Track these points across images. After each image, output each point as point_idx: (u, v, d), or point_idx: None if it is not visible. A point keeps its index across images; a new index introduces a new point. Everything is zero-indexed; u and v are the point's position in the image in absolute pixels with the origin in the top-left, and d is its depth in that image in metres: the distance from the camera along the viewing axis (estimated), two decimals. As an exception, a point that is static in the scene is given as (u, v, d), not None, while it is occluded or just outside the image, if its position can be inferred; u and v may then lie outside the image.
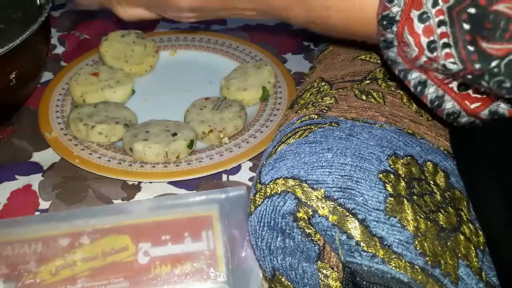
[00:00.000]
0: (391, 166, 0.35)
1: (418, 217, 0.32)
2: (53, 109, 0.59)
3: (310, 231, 0.33)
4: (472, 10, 0.27)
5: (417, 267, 0.31)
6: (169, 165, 0.52)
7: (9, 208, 0.50)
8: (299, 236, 0.34)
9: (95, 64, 0.66)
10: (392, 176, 0.34)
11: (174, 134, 0.53)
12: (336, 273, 0.34)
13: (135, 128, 0.55)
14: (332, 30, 0.35)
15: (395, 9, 0.29)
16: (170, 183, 0.52)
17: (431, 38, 0.29)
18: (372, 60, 0.46)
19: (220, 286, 0.42)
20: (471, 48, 0.27)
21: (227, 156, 0.53)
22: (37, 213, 0.49)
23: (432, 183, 0.36)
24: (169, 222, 0.46)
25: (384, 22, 0.30)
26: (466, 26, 0.27)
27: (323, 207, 0.32)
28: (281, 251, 0.35)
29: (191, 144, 0.53)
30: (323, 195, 0.32)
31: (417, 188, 0.34)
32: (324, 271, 0.34)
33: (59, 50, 0.72)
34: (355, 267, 0.31)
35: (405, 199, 0.33)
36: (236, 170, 0.54)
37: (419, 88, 0.32)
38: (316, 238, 0.34)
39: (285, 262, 0.35)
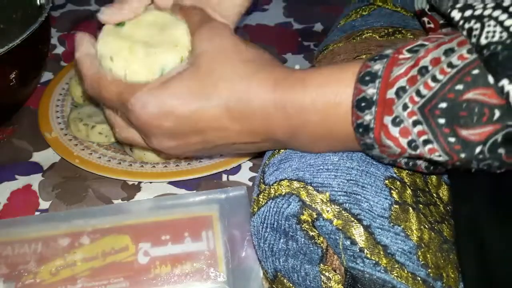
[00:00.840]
0: (397, 174, 0.34)
1: (422, 227, 0.32)
2: (53, 109, 0.59)
3: (313, 233, 0.33)
4: (443, 105, 0.27)
5: (419, 278, 0.31)
6: (169, 165, 0.52)
7: (9, 208, 0.50)
8: (302, 239, 0.33)
9: (95, 64, 0.66)
10: (398, 183, 0.34)
11: None
12: (339, 276, 0.34)
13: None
14: (315, 137, 0.34)
15: (368, 118, 0.30)
16: (170, 183, 0.52)
17: (410, 138, 0.29)
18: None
19: (220, 286, 0.42)
20: (452, 140, 0.28)
21: (227, 156, 0.53)
22: (37, 213, 0.49)
23: (436, 195, 0.36)
24: (169, 222, 0.46)
25: (360, 130, 0.30)
26: (441, 121, 0.28)
27: (327, 211, 0.32)
28: (283, 252, 0.35)
29: None
30: (328, 199, 0.32)
31: (423, 197, 0.34)
32: (327, 274, 0.34)
33: (59, 50, 0.72)
34: (357, 273, 0.31)
35: (410, 208, 0.33)
36: (236, 170, 0.54)
37: (411, 163, 0.32)
38: (319, 240, 0.33)
39: (287, 264, 0.35)
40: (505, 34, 0.25)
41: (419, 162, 0.32)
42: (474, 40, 0.26)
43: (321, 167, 0.34)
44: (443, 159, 0.29)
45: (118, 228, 0.45)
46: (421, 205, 0.33)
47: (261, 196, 0.35)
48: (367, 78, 0.30)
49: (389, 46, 0.31)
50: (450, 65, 0.27)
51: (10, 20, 0.62)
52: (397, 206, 0.32)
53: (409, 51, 0.29)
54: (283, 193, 0.33)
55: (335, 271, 0.34)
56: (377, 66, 0.30)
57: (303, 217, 0.33)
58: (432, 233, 0.33)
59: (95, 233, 0.45)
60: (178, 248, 0.44)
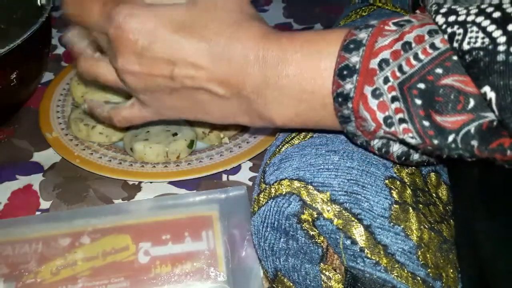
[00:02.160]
0: (397, 174, 0.35)
1: (422, 226, 0.32)
2: (54, 109, 0.59)
3: (313, 233, 0.33)
4: (421, 86, 0.27)
5: (419, 278, 0.31)
6: (170, 165, 0.52)
7: (10, 208, 0.50)
8: (303, 238, 0.33)
9: (95, 64, 0.66)
10: (398, 182, 0.34)
11: (175, 134, 0.53)
12: (339, 275, 0.34)
13: (136, 128, 0.55)
14: (284, 95, 0.33)
15: (348, 86, 0.30)
16: (170, 183, 0.52)
17: (387, 114, 0.29)
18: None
19: (220, 286, 0.42)
20: (426, 123, 0.28)
21: (227, 156, 0.53)
22: (37, 213, 0.49)
23: (435, 195, 0.36)
24: (169, 222, 0.46)
25: (340, 99, 0.30)
26: (418, 101, 0.27)
27: (328, 210, 0.32)
28: (284, 252, 0.35)
29: (191, 144, 0.53)
30: (328, 198, 0.32)
31: (422, 197, 0.34)
32: (327, 273, 0.34)
33: (60, 50, 0.72)
34: (357, 272, 0.31)
35: (410, 207, 0.33)
36: (236, 170, 0.54)
37: (383, 150, 0.32)
38: (319, 240, 0.33)
39: (287, 263, 0.35)
40: (487, 40, 0.25)
41: (392, 148, 0.32)
42: (456, 44, 0.26)
43: (322, 166, 0.34)
44: (416, 142, 0.28)
45: (118, 228, 0.45)
46: (421, 205, 0.34)
47: (262, 196, 0.35)
48: (351, 46, 0.29)
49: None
50: (433, 46, 0.27)
51: (10, 20, 0.62)
52: (397, 206, 0.32)
53: (395, 24, 0.29)
54: (283, 193, 0.34)
55: (335, 270, 0.34)
56: (362, 35, 0.30)
57: (304, 217, 0.33)
58: (432, 233, 0.33)
59: (96, 232, 0.45)
60: (178, 247, 0.44)
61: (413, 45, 0.28)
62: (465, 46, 0.26)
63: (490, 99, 0.25)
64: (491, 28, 0.25)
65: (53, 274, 0.42)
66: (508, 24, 0.25)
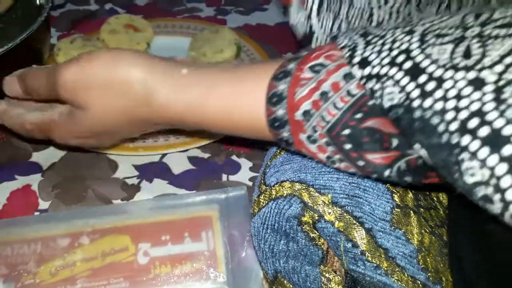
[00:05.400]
0: None
1: (423, 230, 0.32)
2: (53, 109, 0.59)
3: (314, 235, 0.33)
4: (346, 131, 0.28)
5: (419, 282, 0.31)
6: (159, 140, 0.54)
7: (9, 208, 0.50)
8: (303, 240, 0.33)
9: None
10: (399, 186, 0.34)
11: None
12: (339, 277, 0.34)
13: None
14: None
15: (285, 134, 0.31)
16: (170, 183, 0.52)
17: (327, 154, 0.30)
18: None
19: (220, 287, 0.42)
20: (361, 163, 0.28)
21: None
22: (36, 213, 0.49)
23: (436, 199, 0.36)
24: (169, 222, 0.46)
25: (283, 144, 0.32)
26: (348, 146, 0.28)
27: (329, 213, 0.32)
28: (284, 254, 0.35)
29: None
30: (330, 201, 0.32)
31: (423, 201, 0.34)
32: (327, 275, 0.34)
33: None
34: (358, 275, 0.31)
35: (411, 211, 0.33)
36: (236, 170, 0.54)
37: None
38: (320, 242, 0.33)
39: (287, 265, 0.35)
40: (403, 96, 0.25)
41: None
42: (378, 102, 0.26)
43: (323, 169, 0.34)
44: (360, 174, 0.30)
45: (117, 228, 0.45)
46: (422, 209, 0.33)
47: (262, 197, 0.35)
48: (274, 99, 0.31)
49: (293, 59, 0.31)
50: (349, 93, 0.28)
51: (9, 20, 0.62)
52: (398, 210, 0.32)
53: (311, 69, 0.30)
54: (284, 195, 0.33)
55: (335, 272, 0.34)
56: (282, 86, 0.30)
57: (304, 219, 0.33)
58: (433, 237, 0.33)
59: (95, 233, 0.45)
60: (178, 248, 0.44)
61: (331, 94, 0.28)
62: (386, 104, 0.26)
63: (421, 156, 0.25)
64: (405, 81, 0.25)
65: (52, 275, 0.42)
66: (419, 75, 0.25)
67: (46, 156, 0.55)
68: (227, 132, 0.36)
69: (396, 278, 0.31)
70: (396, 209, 0.32)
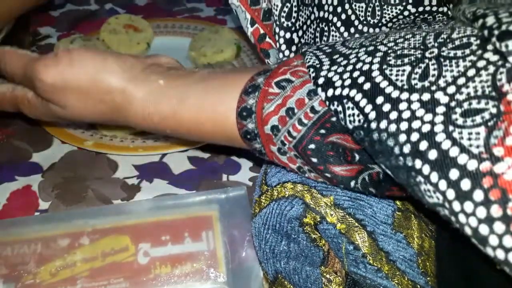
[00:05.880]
0: None
1: (423, 234, 0.32)
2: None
3: (315, 236, 0.33)
4: (312, 146, 0.29)
5: (418, 286, 0.31)
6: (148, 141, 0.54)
7: (9, 208, 0.50)
8: (304, 241, 0.33)
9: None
10: None
11: None
12: (340, 278, 0.34)
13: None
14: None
15: (257, 145, 0.32)
16: (170, 183, 0.52)
17: (297, 165, 0.31)
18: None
19: (220, 287, 0.42)
20: (328, 175, 0.29)
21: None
22: (36, 213, 0.49)
23: None
24: (169, 222, 0.46)
25: (256, 154, 0.33)
26: (314, 159, 0.29)
27: (331, 214, 0.32)
28: (285, 254, 0.35)
29: None
30: (332, 203, 0.32)
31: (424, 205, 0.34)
32: (328, 276, 0.34)
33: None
34: (358, 278, 0.31)
35: (412, 215, 0.33)
36: (236, 170, 0.54)
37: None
38: (321, 243, 0.33)
39: (288, 266, 0.35)
40: (362, 118, 0.25)
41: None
42: (343, 123, 0.27)
43: (325, 171, 0.34)
44: (330, 183, 0.31)
45: (118, 229, 0.45)
46: (422, 213, 0.34)
47: (263, 198, 0.35)
48: (244, 113, 0.31)
49: (263, 72, 0.32)
50: (313, 110, 0.29)
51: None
52: (399, 213, 0.32)
53: (277, 84, 0.30)
54: (286, 195, 0.34)
55: (336, 273, 0.34)
56: (251, 101, 0.31)
57: (306, 220, 0.33)
58: (432, 241, 0.33)
59: (95, 233, 0.44)
60: (178, 248, 0.44)
61: (296, 110, 0.29)
62: (349, 125, 0.26)
63: (391, 175, 0.25)
64: (363, 103, 0.25)
65: (52, 275, 0.42)
66: (376, 97, 0.25)
67: (46, 157, 0.55)
68: (205, 141, 0.36)
69: (396, 281, 0.31)
70: (397, 212, 0.32)
